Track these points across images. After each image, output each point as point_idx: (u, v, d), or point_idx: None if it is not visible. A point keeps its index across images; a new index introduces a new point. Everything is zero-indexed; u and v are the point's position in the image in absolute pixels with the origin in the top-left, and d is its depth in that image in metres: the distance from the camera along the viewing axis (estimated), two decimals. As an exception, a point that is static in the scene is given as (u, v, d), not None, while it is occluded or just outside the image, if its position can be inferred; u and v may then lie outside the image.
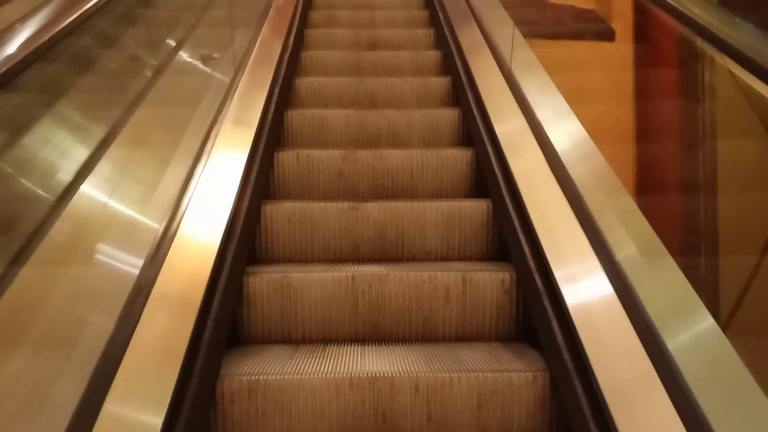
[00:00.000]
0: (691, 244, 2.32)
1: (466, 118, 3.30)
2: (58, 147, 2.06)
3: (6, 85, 1.64)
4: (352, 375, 1.82)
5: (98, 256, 1.86)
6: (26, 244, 1.66)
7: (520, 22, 3.38)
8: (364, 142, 3.33)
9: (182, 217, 2.06)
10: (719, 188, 2.43)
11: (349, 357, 2.01)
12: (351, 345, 2.16)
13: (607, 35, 3.48)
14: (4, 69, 1.62)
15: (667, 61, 2.96)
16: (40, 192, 1.91)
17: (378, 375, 1.82)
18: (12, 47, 1.74)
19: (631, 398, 1.45)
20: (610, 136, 2.67)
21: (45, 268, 1.68)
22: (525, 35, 3.28)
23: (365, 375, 1.82)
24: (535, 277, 2.00)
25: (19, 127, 1.95)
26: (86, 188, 1.93)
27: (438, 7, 4.52)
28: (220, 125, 2.64)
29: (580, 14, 3.83)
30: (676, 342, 1.48)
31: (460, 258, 2.61)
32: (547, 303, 1.88)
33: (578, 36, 3.63)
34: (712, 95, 2.58)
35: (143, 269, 1.80)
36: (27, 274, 1.60)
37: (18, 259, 1.62)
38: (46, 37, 1.84)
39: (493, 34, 3.63)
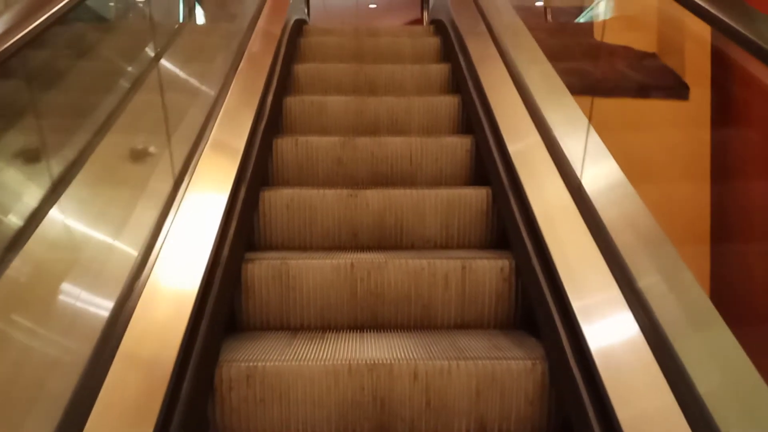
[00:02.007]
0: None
1: (466, 106, 3.29)
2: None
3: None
4: (351, 362, 1.81)
5: (103, 225, 1.84)
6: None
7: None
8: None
9: (180, 204, 2.05)
10: None
11: (348, 344, 2.01)
12: (350, 332, 2.15)
13: (677, 92, 2.56)
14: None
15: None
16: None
17: (377, 362, 1.81)
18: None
19: (632, 385, 1.45)
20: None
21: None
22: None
23: (364, 362, 1.81)
24: (534, 265, 1.99)
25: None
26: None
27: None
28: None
29: (639, 60, 2.79)
30: (677, 323, 1.48)
31: (460, 246, 2.61)
32: (546, 291, 1.88)
33: (636, 92, 2.74)
34: None
35: (140, 255, 1.79)
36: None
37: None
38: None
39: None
